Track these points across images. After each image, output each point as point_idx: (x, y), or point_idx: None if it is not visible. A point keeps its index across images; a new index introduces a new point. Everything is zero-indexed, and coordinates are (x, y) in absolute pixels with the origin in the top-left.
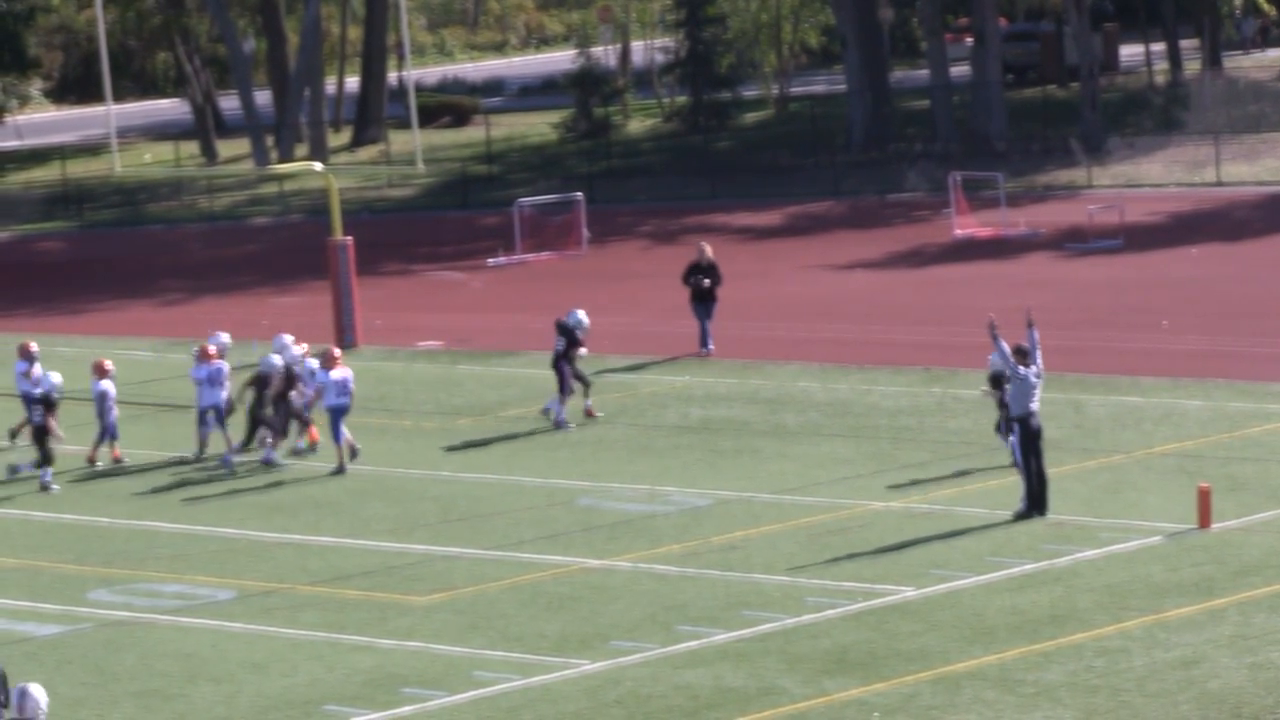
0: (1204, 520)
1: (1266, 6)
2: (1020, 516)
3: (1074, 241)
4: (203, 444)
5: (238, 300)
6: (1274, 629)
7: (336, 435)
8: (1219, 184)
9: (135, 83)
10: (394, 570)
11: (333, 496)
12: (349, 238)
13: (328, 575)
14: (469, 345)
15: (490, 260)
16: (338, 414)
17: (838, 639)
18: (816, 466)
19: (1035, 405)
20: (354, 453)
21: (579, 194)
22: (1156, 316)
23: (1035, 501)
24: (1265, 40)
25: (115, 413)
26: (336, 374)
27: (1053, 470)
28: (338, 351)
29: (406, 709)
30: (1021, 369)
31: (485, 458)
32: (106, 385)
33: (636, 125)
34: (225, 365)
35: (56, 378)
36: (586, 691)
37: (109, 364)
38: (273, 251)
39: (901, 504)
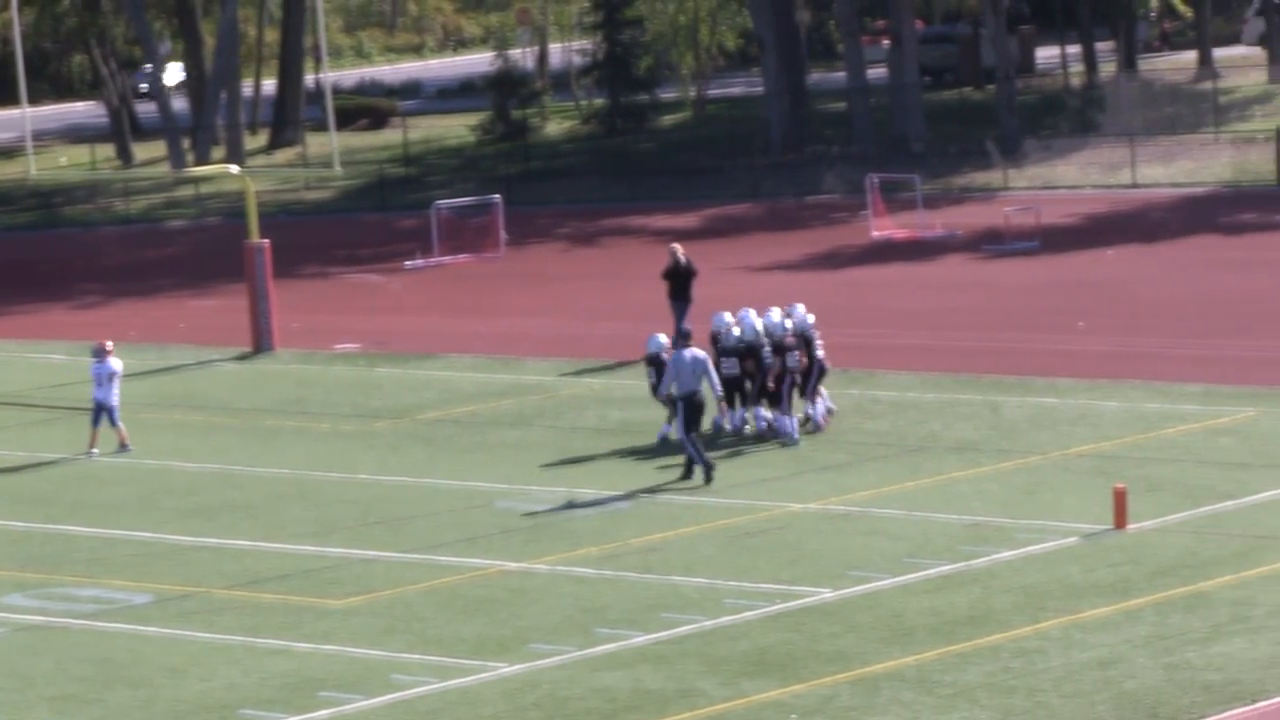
0: (1120, 521)
1: (1182, 8)
2: (708, 479)
3: (991, 243)
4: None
5: (155, 303)
6: (1190, 629)
7: (114, 422)
8: (1135, 186)
9: (51, 85)
10: (311, 573)
11: (250, 500)
12: (266, 240)
13: (245, 579)
14: (387, 348)
15: (408, 263)
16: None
17: (756, 640)
18: (734, 469)
19: (700, 385)
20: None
21: (497, 196)
22: (1072, 318)
23: (690, 469)
24: (1166, 44)
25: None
26: (113, 364)
27: (969, 471)
28: (109, 344)
29: (324, 713)
30: (686, 352)
31: (403, 460)
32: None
33: (555, 127)
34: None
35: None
36: (504, 694)
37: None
38: (190, 254)
39: (819, 505)
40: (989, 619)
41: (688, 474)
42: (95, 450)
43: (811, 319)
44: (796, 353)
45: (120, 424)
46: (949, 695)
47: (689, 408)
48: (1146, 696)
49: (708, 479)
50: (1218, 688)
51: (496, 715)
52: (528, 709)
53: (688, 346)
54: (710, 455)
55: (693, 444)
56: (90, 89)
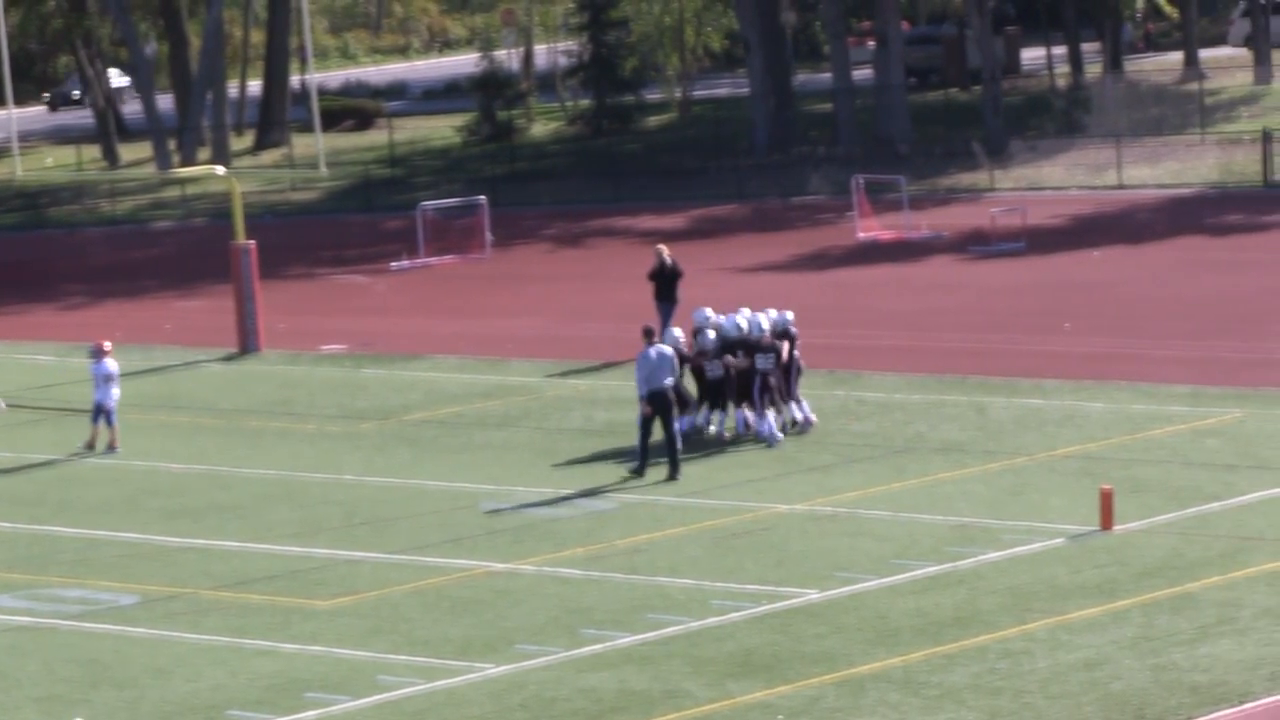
0: (1106, 522)
1: (1168, 9)
2: (634, 474)
3: (976, 244)
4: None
5: (141, 304)
6: (1176, 630)
7: (110, 422)
8: (1120, 187)
9: (37, 86)
10: (298, 575)
11: (236, 500)
12: (252, 241)
13: (231, 580)
14: (373, 349)
15: (394, 264)
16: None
17: (742, 642)
18: (720, 469)
19: (669, 380)
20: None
21: (482, 197)
22: (1059, 319)
23: (676, 469)
24: (1150, 45)
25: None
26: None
27: (956, 472)
28: (107, 345)
29: (310, 714)
30: (652, 350)
31: (388, 461)
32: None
33: (540, 129)
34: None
35: None
36: (491, 695)
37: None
38: (176, 255)
39: (805, 506)
40: (975, 620)
41: (673, 474)
42: (94, 448)
43: (791, 315)
44: (772, 355)
45: (115, 424)
46: (935, 696)
47: (653, 403)
48: (1133, 698)
49: (636, 472)
50: (1204, 689)
51: (483, 716)
52: (514, 710)
53: (653, 344)
54: (689, 456)
55: (643, 439)
56: (58, 99)
